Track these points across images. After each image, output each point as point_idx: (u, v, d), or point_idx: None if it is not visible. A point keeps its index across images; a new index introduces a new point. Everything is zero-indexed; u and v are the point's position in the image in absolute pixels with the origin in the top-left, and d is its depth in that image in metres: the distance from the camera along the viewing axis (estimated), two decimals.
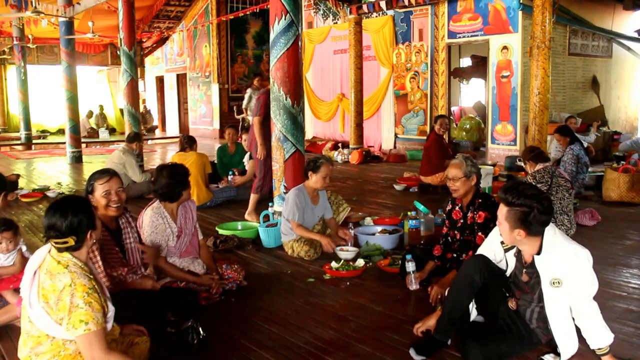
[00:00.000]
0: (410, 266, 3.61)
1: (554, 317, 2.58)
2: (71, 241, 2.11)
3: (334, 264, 4.00)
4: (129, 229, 3.14)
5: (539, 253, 2.58)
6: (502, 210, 2.57)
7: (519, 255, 2.72)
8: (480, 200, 3.53)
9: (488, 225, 3.39)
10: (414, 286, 3.60)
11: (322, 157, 4.56)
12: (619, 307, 3.28)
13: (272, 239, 4.73)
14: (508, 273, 2.82)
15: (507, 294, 2.82)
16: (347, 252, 4.20)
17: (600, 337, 2.51)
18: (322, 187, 4.52)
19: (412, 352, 2.72)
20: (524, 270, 2.68)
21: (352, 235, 4.53)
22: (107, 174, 3.02)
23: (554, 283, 2.53)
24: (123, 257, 3.08)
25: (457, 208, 3.70)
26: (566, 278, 2.51)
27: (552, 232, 2.57)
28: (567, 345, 2.58)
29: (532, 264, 2.61)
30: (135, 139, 7.40)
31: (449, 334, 2.80)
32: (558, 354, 2.60)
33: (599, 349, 2.52)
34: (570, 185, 4.80)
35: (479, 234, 3.44)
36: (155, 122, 19.56)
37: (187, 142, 6.84)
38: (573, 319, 2.60)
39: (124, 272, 3.00)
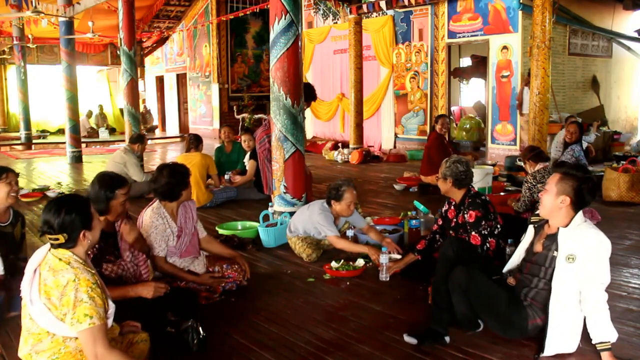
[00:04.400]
0: (383, 258, 3.77)
1: (556, 298, 2.61)
2: (62, 238, 2.14)
3: (333, 264, 4.00)
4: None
5: (566, 227, 2.65)
6: (555, 177, 2.69)
7: (539, 227, 2.83)
8: (469, 200, 3.55)
9: (480, 224, 3.43)
10: (384, 277, 3.76)
11: (344, 181, 4.28)
12: (619, 307, 3.28)
13: (272, 239, 4.73)
14: (525, 245, 2.90)
15: (508, 274, 2.95)
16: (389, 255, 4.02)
17: (604, 330, 2.52)
18: (348, 215, 4.26)
19: (405, 336, 2.84)
20: (542, 241, 2.76)
21: (395, 246, 4.22)
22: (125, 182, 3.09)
23: (568, 258, 2.59)
24: (118, 258, 3.07)
25: (452, 207, 3.72)
26: (581, 257, 2.56)
27: (582, 217, 2.67)
28: (556, 334, 2.60)
29: (555, 235, 2.68)
30: (138, 141, 7.35)
31: (442, 322, 2.87)
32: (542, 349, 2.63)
33: (601, 342, 2.52)
34: None
35: (473, 233, 3.45)
36: (155, 122, 19.56)
37: (193, 142, 6.84)
38: (573, 320, 2.62)
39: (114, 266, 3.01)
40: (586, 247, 2.56)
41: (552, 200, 2.66)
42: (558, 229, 2.68)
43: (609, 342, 2.52)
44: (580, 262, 2.56)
